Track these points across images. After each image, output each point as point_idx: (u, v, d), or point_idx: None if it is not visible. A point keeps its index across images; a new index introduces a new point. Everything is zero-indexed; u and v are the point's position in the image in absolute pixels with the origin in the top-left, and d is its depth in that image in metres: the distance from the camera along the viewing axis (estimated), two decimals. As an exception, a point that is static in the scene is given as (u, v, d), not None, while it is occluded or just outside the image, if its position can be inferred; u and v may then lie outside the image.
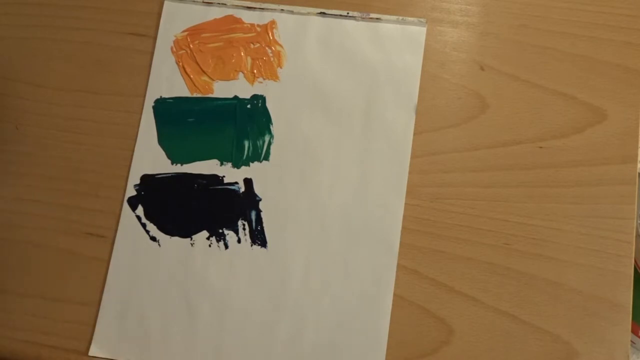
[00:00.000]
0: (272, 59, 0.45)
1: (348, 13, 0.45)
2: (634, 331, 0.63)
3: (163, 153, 0.44)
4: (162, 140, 0.45)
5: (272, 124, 0.44)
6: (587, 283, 0.40)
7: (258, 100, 0.45)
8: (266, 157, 0.44)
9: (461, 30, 0.45)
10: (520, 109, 0.43)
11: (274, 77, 0.45)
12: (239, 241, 0.43)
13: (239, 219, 0.43)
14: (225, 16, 0.46)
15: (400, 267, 0.41)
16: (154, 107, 0.45)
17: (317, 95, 0.44)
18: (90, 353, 0.41)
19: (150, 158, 0.44)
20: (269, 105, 0.44)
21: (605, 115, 0.42)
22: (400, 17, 0.45)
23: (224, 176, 0.44)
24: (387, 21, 0.45)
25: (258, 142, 0.44)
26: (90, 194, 0.44)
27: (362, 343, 0.40)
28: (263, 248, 0.42)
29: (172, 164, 0.44)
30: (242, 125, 0.44)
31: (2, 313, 0.43)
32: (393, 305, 0.41)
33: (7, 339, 0.42)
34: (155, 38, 0.46)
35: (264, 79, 0.45)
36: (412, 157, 0.43)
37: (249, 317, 0.41)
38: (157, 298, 0.42)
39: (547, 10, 0.44)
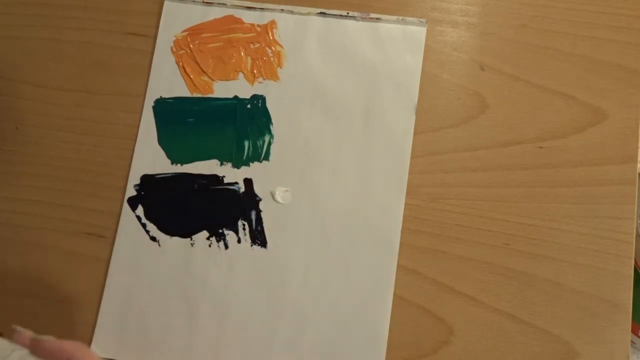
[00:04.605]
0: (272, 59, 0.45)
1: (348, 13, 0.45)
2: (634, 331, 0.63)
3: (163, 153, 0.44)
4: (162, 140, 0.44)
5: (272, 124, 0.44)
6: (587, 283, 0.40)
7: (258, 100, 0.45)
8: (266, 157, 0.44)
9: (461, 30, 0.45)
10: (520, 109, 0.43)
11: (274, 77, 0.45)
12: (239, 241, 0.43)
13: (239, 219, 0.43)
14: (225, 16, 0.46)
15: (400, 267, 0.41)
16: (154, 107, 0.45)
17: (317, 95, 0.44)
18: (90, 353, 0.41)
19: (150, 158, 0.44)
20: (269, 105, 0.44)
21: (605, 115, 0.42)
22: (400, 17, 0.45)
23: (224, 176, 0.44)
24: (387, 21, 0.45)
25: (258, 142, 0.44)
26: (90, 194, 0.44)
27: (362, 343, 0.40)
28: (263, 248, 0.42)
29: (172, 164, 0.44)
30: (242, 125, 0.44)
31: (2, 313, 0.43)
32: (393, 305, 0.41)
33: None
34: (155, 38, 0.46)
35: (264, 79, 0.45)
36: (412, 157, 0.43)
37: (249, 317, 0.41)
38: (157, 298, 0.42)
39: (547, 10, 0.44)
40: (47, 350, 0.31)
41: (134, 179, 0.44)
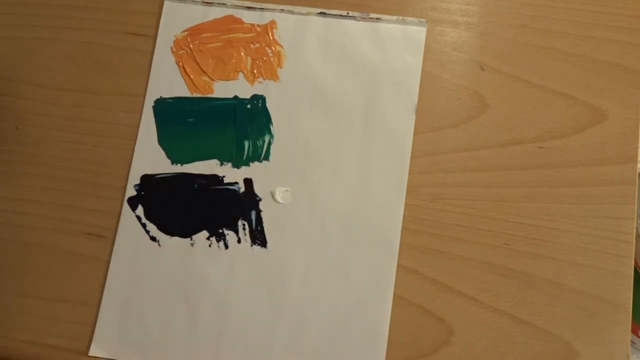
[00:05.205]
0: (272, 59, 0.45)
1: (348, 13, 0.45)
2: (634, 331, 0.63)
3: (163, 153, 0.44)
4: (162, 140, 0.45)
5: (272, 124, 0.44)
6: (587, 283, 0.40)
7: (258, 100, 0.45)
8: (266, 157, 0.44)
9: (461, 30, 0.45)
10: (520, 109, 0.43)
11: (274, 77, 0.45)
12: (239, 241, 0.43)
13: (239, 219, 0.43)
14: (225, 16, 0.46)
15: (400, 267, 0.41)
16: (154, 107, 0.45)
17: (317, 95, 0.44)
18: (91, 353, 0.41)
19: (150, 158, 0.44)
20: (269, 105, 0.44)
21: (605, 115, 0.42)
22: (400, 17, 0.45)
23: (224, 176, 0.44)
24: (387, 21, 0.45)
25: (258, 142, 0.44)
26: (90, 194, 0.44)
27: (362, 343, 0.40)
28: (263, 248, 0.42)
29: (172, 164, 0.44)
30: (242, 125, 0.44)
31: (2, 313, 0.43)
32: (393, 305, 0.41)
33: (7, 339, 0.42)
34: (155, 38, 0.46)
35: (264, 79, 0.45)
36: (412, 157, 0.43)
37: (249, 317, 0.41)
38: (157, 298, 0.42)
39: (547, 10, 0.44)
40: None
41: (134, 179, 0.44)
